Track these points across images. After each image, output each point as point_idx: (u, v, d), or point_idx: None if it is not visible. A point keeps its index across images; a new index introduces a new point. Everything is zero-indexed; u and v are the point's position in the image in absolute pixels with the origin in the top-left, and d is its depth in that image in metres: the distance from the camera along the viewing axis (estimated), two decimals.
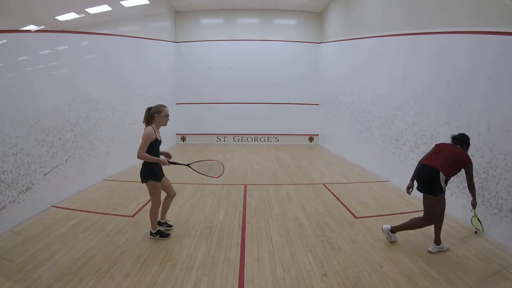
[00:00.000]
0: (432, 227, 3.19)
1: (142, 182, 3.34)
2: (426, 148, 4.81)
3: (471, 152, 3.81)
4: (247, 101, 11.43)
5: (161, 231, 3.45)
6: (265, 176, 6.51)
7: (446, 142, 3.42)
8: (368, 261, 2.92)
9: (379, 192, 5.32)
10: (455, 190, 4.13)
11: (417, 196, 4.90)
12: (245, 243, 3.33)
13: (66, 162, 4.83)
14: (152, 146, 3.26)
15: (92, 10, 6.07)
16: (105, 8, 6.54)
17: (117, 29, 7.19)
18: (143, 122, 3.35)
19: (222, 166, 3.68)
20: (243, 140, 11.72)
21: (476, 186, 3.71)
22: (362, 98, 7.57)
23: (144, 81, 8.37)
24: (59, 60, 4.89)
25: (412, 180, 3.27)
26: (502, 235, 3.30)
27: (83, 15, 5.84)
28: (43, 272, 2.68)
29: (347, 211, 4.32)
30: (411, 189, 3.28)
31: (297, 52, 11.54)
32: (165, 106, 3.31)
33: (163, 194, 3.48)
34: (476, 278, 2.63)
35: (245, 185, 5.69)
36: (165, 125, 3.34)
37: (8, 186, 3.65)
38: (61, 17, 5.19)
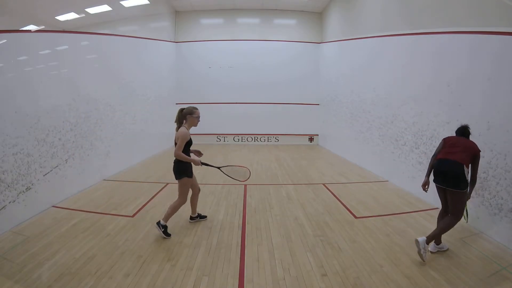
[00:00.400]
0: (432, 226, 3.18)
1: (177, 178, 3.52)
2: (426, 148, 4.81)
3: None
4: (247, 101, 11.43)
5: (166, 229, 3.47)
6: (265, 176, 6.51)
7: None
8: (368, 261, 2.92)
9: (379, 192, 5.32)
10: None
11: (417, 196, 4.93)
12: (245, 243, 3.33)
13: (66, 162, 4.83)
14: (186, 146, 3.44)
15: (92, 10, 6.08)
16: (105, 8, 6.54)
17: (117, 29, 7.19)
18: (175, 122, 3.53)
19: (248, 172, 3.87)
20: (243, 140, 11.72)
21: (476, 186, 3.72)
22: (362, 98, 7.57)
23: (144, 81, 8.38)
24: (59, 60, 4.89)
25: (427, 176, 3.19)
26: (502, 235, 3.30)
27: (83, 15, 5.85)
28: (43, 272, 2.68)
29: (347, 211, 4.32)
30: (427, 186, 3.19)
31: (297, 52, 11.55)
32: (197, 108, 3.53)
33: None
34: (476, 278, 2.63)
35: (245, 185, 5.68)
36: (196, 126, 3.57)
37: (8, 186, 3.65)
38: (61, 17, 5.19)
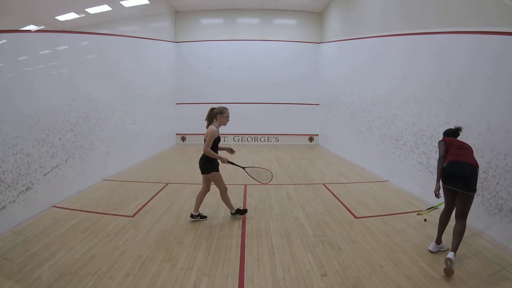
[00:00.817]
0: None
1: (203, 173, 3.75)
2: (426, 148, 4.81)
3: None
4: (247, 101, 11.42)
5: (239, 209, 3.98)
6: (265, 176, 6.50)
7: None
8: (368, 261, 2.92)
9: (379, 192, 5.32)
10: None
11: (417, 196, 4.93)
12: (245, 243, 3.33)
13: (66, 162, 4.83)
14: (214, 143, 3.65)
15: (92, 10, 6.08)
16: (105, 8, 6.54)
17: (117, 29, 7.19)
18: (205, 120, 3.78)
19: (271, 174, 3.97)
20: (243, 140, 11.72)
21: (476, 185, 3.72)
22: (362, 98, 7.57)
23: (144, 81, 8.38)
24: (59, 60, 4.89)
25: (439, 181, 3.07)
26: (502, 235, 3.30)
27: (83, 15, 5.84)
28: (43, 272, 2.68)
29: (347, 211, 4.32)
30: (439, 192, 3.07)
31: (297, 52, 11.54)
32: (227, 108, 3.80)
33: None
34: (476, 278, 2.63)
35: (245, 185, 5.68)
36: (225, 125, 3.80)
37: (8, 186, 3.65)
38: (61, 17, 5.19)
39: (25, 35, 4.22)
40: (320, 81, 11.27)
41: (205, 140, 3.63)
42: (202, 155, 3.69)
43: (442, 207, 3.42)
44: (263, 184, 3.97)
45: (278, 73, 11.44)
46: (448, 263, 2.63)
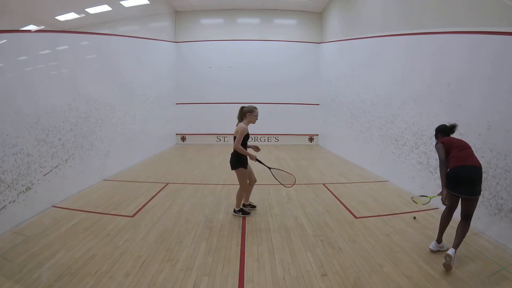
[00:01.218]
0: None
1: (233, 169, 3.92)
2: (426, 148, 4.81)
3: None
4: (247, 101, 11.36)
5: (243, 209, 4.10)
6: (265, 176, 6.50)
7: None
8: (368, 261, 2.92)
9: (379, 192, 5.32)
10: None
11: (416, 196, 4.91)
12: (245, 243, 3.33)
13: (66, 162, 4.83)
14: (244, 140, 3.85)
15: (92, 10, 6.07)
16: (105, 8, 6.54)
17: (117, 29, 7.19)
18: (237, 118, 3.99)
19: (294, 179, 4.01)
20: None
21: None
22: (362, 98, 7.57)
23: (144, 81, 8.38)
24: (59, 60, 4.89)
25: (446, 187, 2.92)
26: (502, 235, 3.30)
27: (83, 15, 5.84)
28: (43, 272, 2.68)
29: (347, 211, 4.32)
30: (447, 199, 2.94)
31: (297, 52, 11.54)
32: (256, 108, 3.96)
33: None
34: (476, 278, 2.63)
35: None
36: (254, 123, 3.97)
37: (8, 186, 3.65)
38: (61, 17, 5.19)
39: (25, 35, 4.22)
40: (320, 81, 11.27)
41: (235, 137, 3.86)
42: (233, 151, 3.91)
43: (434, 200, 3.48)
44: (285, 187, 4.05)
45: (278, 73, 11.44)
46: (448, 259, 2.68)
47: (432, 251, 3.08)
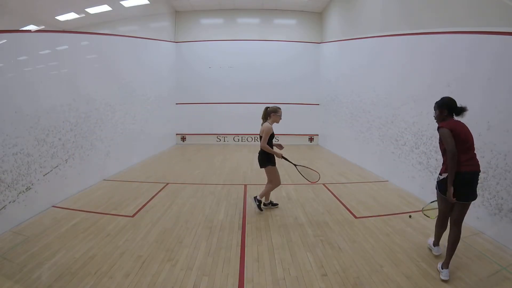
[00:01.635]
0: (431, 226, 3.08)
1: (261, 167, 4.18)
2: (426, 148, 4.81)
3: None
4: (247, 101, 11.41)
5: (260, 204, 4.23)
6: (265, 176, 6.50)
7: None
8: (368, 261, 2.92)
9: (379, 192, 5.32)
10: None
11: (417, 196, 4.93)
12: (245, 243, 3.33)
13: (66, 162, 4.83)
14: (270, 139, 4.03)
15: (92, 10, 6.07)
16: (105, 8, 6.54)
17: (117, 29, 7.19)
18: (262, 118, 4.19)
19: (318, 175, 4.14)
20: (243, 140, 11.72)
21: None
22: (362, 98, 7.57)
23: (144, 81, 8.38)
24: (59, 60, 4.89)
25: (452, 183, 2.58)
26: (502, 235, 3.30)
27: (83, 15, 5.84)
28: (43, 272, 2.68)
29: (347, 211, 4.32)
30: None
31: (297, 52, 11.54)
32: (280, 108, 4.14)
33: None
34: (476, 278, 2.63)
35: (245, 185, 5.69)
36: (277, 122, 4.16)
37: (8, 186, 3.65)
38: (61, 17, 5.19)
39: (25, 35, 4.22)
40: (320, 81, 11.27)
41: (260, 137, 4.05)
42: (260, 150, 4.13)
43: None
44: (311, 183, 4.12)
45: (278, 73, 11.43)
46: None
47: (436, 256, 2.98)
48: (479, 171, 2.64)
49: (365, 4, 7.58)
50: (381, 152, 6.46)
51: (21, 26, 4.19)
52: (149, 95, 8.71)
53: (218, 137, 11.67)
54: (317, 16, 11.50)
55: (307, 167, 4.23)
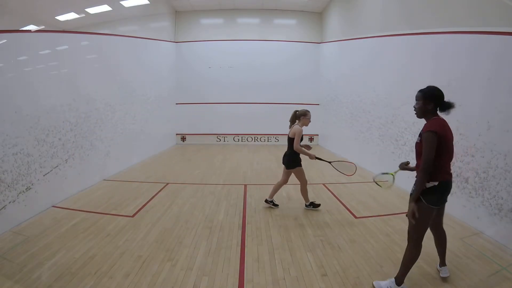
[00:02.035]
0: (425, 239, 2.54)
1: (288, 168, 4.25)
2: None
3: (471, 152, 3.82)
4: (247, 101, 11.42)
5: (313, 203, 4.34)
6: (265, 176, 6.51)
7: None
8: (368, 261, 2.92)
9: (379, 192, 5.31)
10: (455, 190, 4.13)
11: None
12: (245, 243, 3.33)
13: (66, 162, 4.83)
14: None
15: (92, 10, 6.07)
16: (105, 8, 6.54)
17: (117, 29, 7.19)
18: (290, 121, 4.33)
19: (355, 167, 4.07)
20: (243, 140, 11.72)
21: (476, 186, 3.72)
22: (362, 98, 7.57)
23: (144, 81, 8.38)
24: (59, 60, 4.89)
25: (419, 197, 2.34)
26: (502, 235, 3.30)
27: (83, 15, 5.84)
28: (43, 272, 2.68)
29: (347, 211, 4.32)
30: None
31: (297, 52, 11.53)
32: (309, 111, 4.28)
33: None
34: (476, 278, 2.63)
35: (245, 185, 5.69)
36: (307, 125, 4.27)
37: (8, 186, 3.65)
38: (61, 17, 5.19)
39: (25, 35, 4.22)
40: (320, 81, 11.26)
41: (289, 138, 4.19)
42: (286, 151, 4.25)
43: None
44: (349, 176, 4.05)
45: (278, 73, 11.43)
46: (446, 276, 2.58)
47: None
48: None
49: (365, 4, 7.58)
50: (381, 152, 6.46)
51: (21, 26, 4.19)
52: (149, 95, 8.71)
53: (218, 137, 11.67)
54: (317, 16, 11.50)
55: (342, 161, 4.27)
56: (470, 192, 3.82)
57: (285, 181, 4.38)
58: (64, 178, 4.75)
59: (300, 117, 4.22)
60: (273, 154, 9.45)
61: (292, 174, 4.27)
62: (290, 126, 4.27)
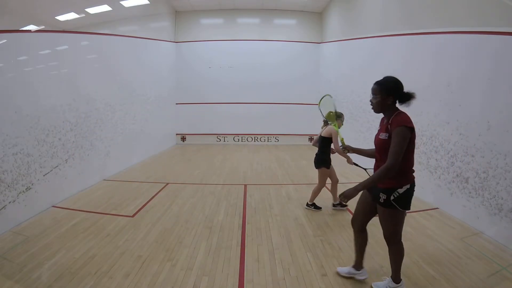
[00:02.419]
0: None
1: (317, 168, 4.28)
2: (426, 148, 4.81)
3: (471, 152, 3.82)
4: (247, 101, 11.42)
5: (315, 204, 4.37)
6: (265, 176, 6.51)
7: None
8: (368, 261, 2.92)
9: None
10: (455, 190, 4.13)
11: (417, 196, 4.89)
12: (245, 243, 3.33)
13: (66, 162, 4.83)
14: (329, 142, 4.18)
15: (92, 10, 6.07)
16: (105, 8, 6.54)
17: (117, 29, 7.18)
18: (323, 121, 4.28)
19: None
20: (243, 140, 11.72)
21: (476, 186, 3.73)
22: (362, 98, 7.56)
23: (144, 81, 8.38)
24: (59, 60, 4.89)
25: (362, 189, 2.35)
26: (502, 235, 3.30)
27: (83, 15, 5.84)
28: (43, 272, 2.68)
29: (347, 211, 4.32)
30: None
31: (297, 52, 11.53)
32: (343, 114, 4.27)
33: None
34: (476, 278, 2.63)
35: (245, 185, 5.69)
36: (339, 128, 4.14)
37: (8, 186, 3.65)
38: (61, 17, 5.18)
39: (25, 35, 4.22)
40: (320, 81, 11.26)
41: (321, 137, 4.21)
42: (318, 151, 4.26)
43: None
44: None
45: (278, 73, 11.43)
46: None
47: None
48: None
49: (365, 4, 7.58)
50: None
51: (21, 26, 4.19)
52: (149, 95, 8.71)
53: (218, 137, 11.67)
54: (317, 16, 11.50)
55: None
56: (470, 192, 3.82)
57: (335, 179, 4.42)
58: (64, 178, 4.75)
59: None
60: (273, 154, 9.45)
61: (323, 173, 4.30)
62: (323, 127, 4.34)
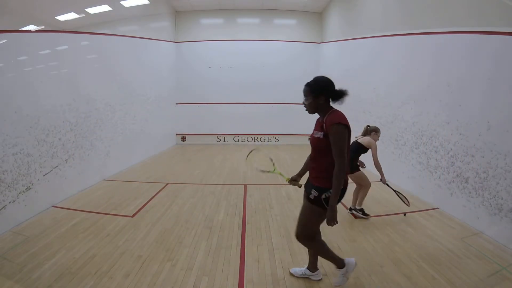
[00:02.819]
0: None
1: (351, 173, 4.12)
2: (426, 148, 4.81)
3: (471, 152, 3.82)
4: (247, 101, 11.42)
5: (363, 211, 4.14)
6: (265, 176, 6.50)
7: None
8: (368, 261, 2.92)
9: (379, 192, 5.31)
10: (455, 190, 4.13)
11: (417, 196, 4.93)
12: (245, 243, 3.33)
13: (66, 162, 4.83)
14: (359, 153, 4.14)
15: (92, 10, 6.07)
16: (105, 8, 6.54)
17: (117, 29, 7.18)
18: (362, 133, 4.28)
19: (407, 201, 4.18)
20: (243, 140, 11.71)
21: (476, 186, 3.73)
22: (362, 98, 7.57)
23: (144, 81, 8.38)
24: (59, 60, 4.89)
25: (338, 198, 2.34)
26: (502, 235, 3.30)
27: (83, 15, 5.84)
28: (43, 272, 2.68)
29: (347, 211, 4.32)
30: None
31: (297, 52, 11.53)
32: (379, 129, 4.25)
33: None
34: (476, 278, 2.63)
35: (245, 185, 5.69)
36: (375, 141, 4.19)
37: (8, 186, 3.65)
38: (61, 17, 5.19)
39: (25, 35, 4.22)
40: None
41: (357, 143, 4.13)
42: (351, 156, 4.06)
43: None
44: (407, 206, 4.13)
45: (278, 73, 11.43)
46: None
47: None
48: None
49: (365, 4, 7.57)
50: (381, 152, 6.39)
51: (21, 26, 4.19)
52: (149, 95, 8.71)
53: (218, 137, 11.67)
54: (317, 16, 11.50)
55: (400, 193, 4.30)
56: (470, 192, 3.83)
57: (367, 184, 4.25)
58: (64, 178, 4.75)
59: (371, 132, 4.20)
60: (273, 154, 9.42)
61: (361, 175, 4.23)
62: (362, 133, 4.31)
